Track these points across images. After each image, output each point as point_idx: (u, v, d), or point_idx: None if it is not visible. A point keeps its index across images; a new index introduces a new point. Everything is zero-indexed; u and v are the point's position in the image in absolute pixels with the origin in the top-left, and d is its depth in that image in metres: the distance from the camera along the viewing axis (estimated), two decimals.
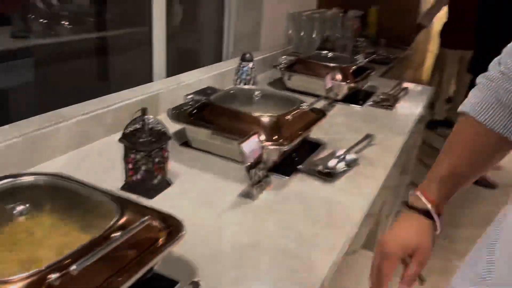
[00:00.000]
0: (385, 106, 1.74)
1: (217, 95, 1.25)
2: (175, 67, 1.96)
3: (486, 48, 1.87)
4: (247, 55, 1.64)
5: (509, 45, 0.76)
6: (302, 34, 2.55)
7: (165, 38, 1.76)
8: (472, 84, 0.81)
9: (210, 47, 2.28)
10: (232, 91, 1.31)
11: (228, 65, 1.79)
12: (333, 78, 1.70)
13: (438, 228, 0.79)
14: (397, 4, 3.66)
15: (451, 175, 0.79)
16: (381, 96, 1.81)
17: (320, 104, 1.61)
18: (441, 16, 3.92)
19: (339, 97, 1.74)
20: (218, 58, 2.29)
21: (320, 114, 1.32)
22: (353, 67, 1.79)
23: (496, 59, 0.79)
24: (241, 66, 1.63)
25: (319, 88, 1.68)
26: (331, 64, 1.78)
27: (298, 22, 2.54)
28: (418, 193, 0.80)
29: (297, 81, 1.80)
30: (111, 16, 1.71)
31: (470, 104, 0.77)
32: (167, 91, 1.47)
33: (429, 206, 0.78)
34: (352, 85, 1.72)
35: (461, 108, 0.79)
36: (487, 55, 0.85)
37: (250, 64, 1.64)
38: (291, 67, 1.82)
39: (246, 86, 1.50)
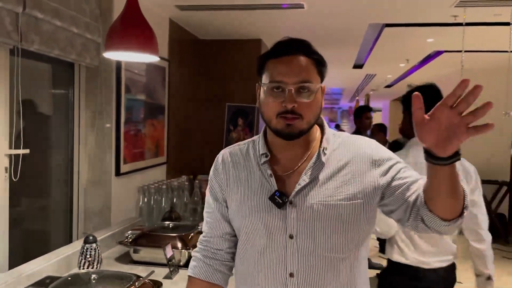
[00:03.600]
0: None
1: (54, 284, 1.34)
2: (20, 254, 1.97)
3: None
4: (90, 237, 1.78)
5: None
6: (152, 204, 2.78)
7: (8, 226, 1.82)
8: None
9: (59, 227, 2.35)
10: (69, 278, 1.41)
11: (73, 248, 1.89)
12: (173, 247, 1.90)
13: None
14: None
15: None
16: None
17: (162, 274, 1.78)
18: None
19: (182, 263, 1.92)
20: (68, 238, 2.35)
21: (157, 284, 1.47)
22: (192, 234, 2.02)
23: None
24: (85, 248, 1.75)
25: (163, 258, 1.85)
26: (172, 234, 2.00)
27: (148, 194, 2.78)
28: None
29: (142, 253, 1.96)
30: None
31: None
32: (5, 286, 1.49)
33: None
34: (191, 250, 1.93)
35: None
36: None
37: (94, 245, 1.77)
38: (136, 241, 1.98)
39: (84, 270, 1.61)
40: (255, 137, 1.25)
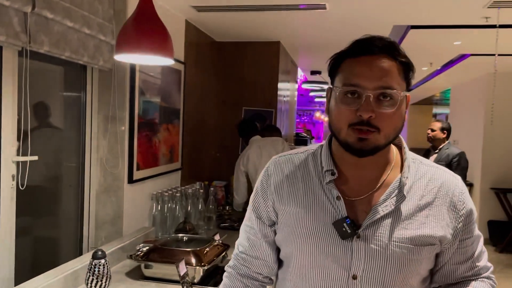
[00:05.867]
0: None
1: None
2: (27, 266, 1.87)
3: None
4: (99, 253, 1.66)
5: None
6: (166, 212, 2.66)
7: (14, 237, 1.72)
8: None
9: (70, 237, 2.25)
10: None
11: (81, 262, 1.78)
12: (187, 263, 1.77)
13: None
14: None
15: None
16: None
17: None
18: None
19: (196, 280, 1.80)
20: (78, 249, 2.25)
21: None
22: (207, 249, 1.90)
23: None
24: (93, 264, 1.64)
25: (176, 274, 1.73)
26: (186, 249, 1.87)
27: (161, 202, 2.67)
28: None
29: (154, 269, 1.84)
30: None
31: None
32: None
33: None
34: (206, 267, 1.81)
35: None
36: None
37: (102, 261, 1.65)
38: (147, 256, 1.87)
39: None
40: (313, 147, 1.07)
